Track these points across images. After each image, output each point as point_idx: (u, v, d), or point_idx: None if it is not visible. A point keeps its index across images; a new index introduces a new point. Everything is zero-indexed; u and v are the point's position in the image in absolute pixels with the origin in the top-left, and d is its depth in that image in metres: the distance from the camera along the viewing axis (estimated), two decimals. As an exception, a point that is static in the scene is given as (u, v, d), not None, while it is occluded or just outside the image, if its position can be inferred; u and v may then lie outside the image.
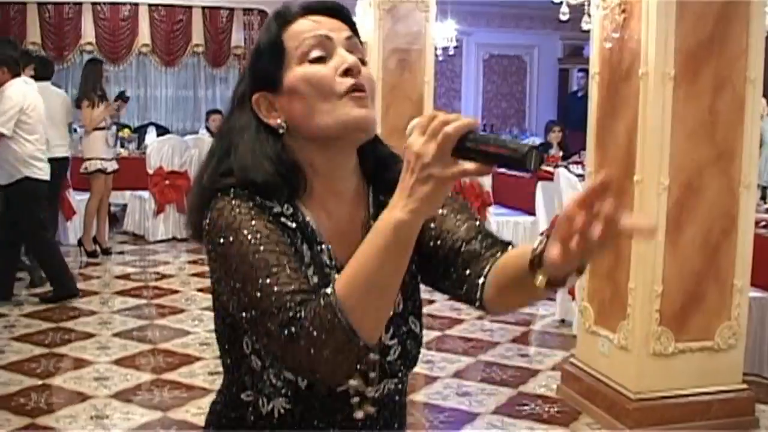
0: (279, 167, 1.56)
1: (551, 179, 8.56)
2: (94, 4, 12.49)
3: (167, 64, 13.17)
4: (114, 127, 9.61)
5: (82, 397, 5.23)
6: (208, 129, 10.80)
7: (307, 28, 1.59)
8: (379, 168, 1.67)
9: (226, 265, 1.48)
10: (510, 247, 1.62)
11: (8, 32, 11.65)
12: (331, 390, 1.57)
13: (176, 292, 7.94)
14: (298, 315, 1.37)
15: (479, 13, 14.60)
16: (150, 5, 12.78)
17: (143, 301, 7.60)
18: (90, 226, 9.47)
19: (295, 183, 1.59)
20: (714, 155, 4.78)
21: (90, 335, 6.51)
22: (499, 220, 9.34)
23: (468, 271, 1.61)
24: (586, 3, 5.02)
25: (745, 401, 5.02)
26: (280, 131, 1.59)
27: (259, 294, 1.41)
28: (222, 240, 1.48)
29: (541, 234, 1.46)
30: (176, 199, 10.25)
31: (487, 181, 9.29)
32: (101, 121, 9.22)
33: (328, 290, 1.36)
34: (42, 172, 7.28)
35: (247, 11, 13.49)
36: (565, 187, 7.04)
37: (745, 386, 5.04)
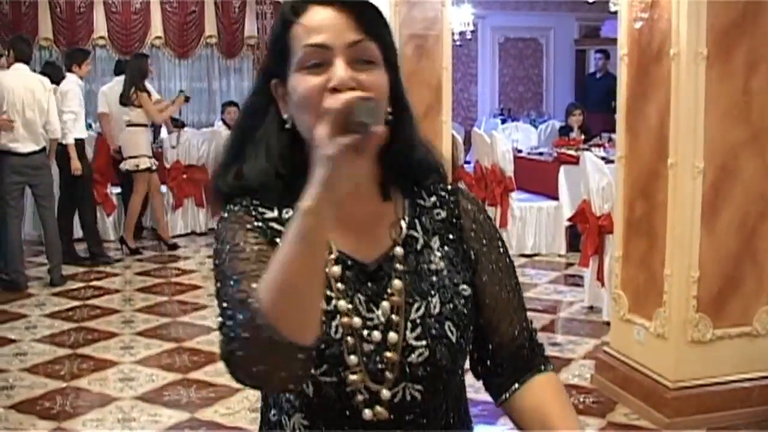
0: (284, 167, 1.56)
1: (575, 163, 8.44)
2: (105, -2, 12.40)
3: (180, 57, 13.05)
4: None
5: (108, 399, 5.15)
6: (224, 121, 10.67)
7: (308, 30, 1.50)
8: (407, 166, 1.62)
9: (214, 272, 1.50)
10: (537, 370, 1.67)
11: (20, 28, 11.54)
12: (340, 394, 1.50)
13: (198, 287, 7.85)
14: (237, 320, 1.34)
15: (494, -3, 14.49)
16: (162, -2, 12.69)
17: (165, 298, 7.52)
18: (132, 223, 9.39)
19: (301, 183, 1.49)
20: (749, 136, 4.65)
21: (113, 335, 6.44)
22: (521, 206, 9.20)
23: (499, 370, 1.68)
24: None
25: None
26: (286, 126, 1.56)
27: (225, 304, 1.40)
28: (214, 248, 1.52)
29: None
30: (194, 193, 10.18)
31: (509, 167, 9.15)
32: (154, 117, 9.29)
33: (254, 292, 1.33)
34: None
35: (259, 1, 13.36)
36: (592, 171, 6.91)
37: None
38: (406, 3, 9.53)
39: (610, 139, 10.67)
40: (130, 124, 9.19)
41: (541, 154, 10.37)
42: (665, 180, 4.69)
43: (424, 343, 1.53)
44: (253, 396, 5.09)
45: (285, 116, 1.56)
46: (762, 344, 4.82)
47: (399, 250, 1.59)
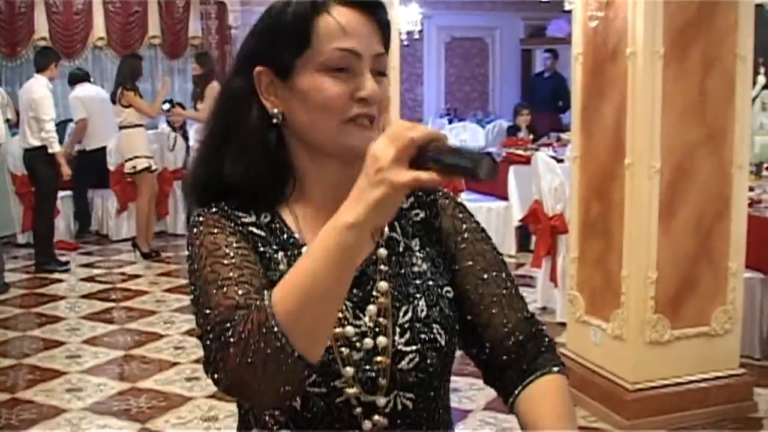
0: (267, 167, 1.49)
1: (524, 163, 8.41)
2: (46, -3, 12.14)
3: (123, 57, 12.82)
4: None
5: (56, 411, 4.99)
6: (168, 123, 10.49)
7: (339, 31, 1.44)
8: None
9: (189, 278, 1.43)
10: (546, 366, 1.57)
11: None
12: (329, 405, 1.44)
13: (145, 293, 7.69)
14: (231, 323, 1.28)
15: (439, -4, 14.45)
16: (104, -3, 12.45)
17: (111, 305, 7.34)
18: (143, 226, 9.15)
19: (282, 185, 1.52)
20: (705, 135, 4.63)
21: (59, 343, 6.26)
22: (470, 206, 8.99)
23: (502, 372, 1.59)
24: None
25: (743, 386, 4.90)
26: (274, 120, 1.48)
27: (207, 310, 1.34)
28: (188, 254, 1.45)
29: None
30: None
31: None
32: (147, 112, 9.13)
33: (266, 295, 1.27)
34: None
35: (204, 1, 13.18)
36: (544, 171, 6.88)
37: (742, 371, 4.92)
38: (354, 3, 9.45)
39: (558, 139, 10.72)
40: (124, 126, 8.95)
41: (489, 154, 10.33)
42: (621, 180, 4.66)
43: (414, 348, 1.48)
44: (205, 405, 4.99)
45: (275, 110, 1.48)
46: (719, 344, 4.81)
47: (383, 251, 1.53)
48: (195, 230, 1.46)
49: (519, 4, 15.17)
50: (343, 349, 1.45)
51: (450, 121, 14.29)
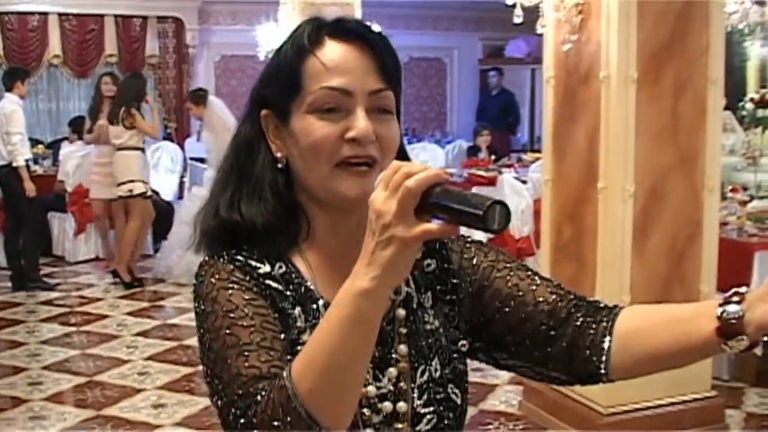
0: (279, 210, 1.43)
1: (486, 184, 8.41)
2: (0, 14, 11.96)
3: (80, 76, 12.66)
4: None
5: (19, 441, 4.87)
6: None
7: (328, 69, 1.38)
8: None
9: (202, 337, 1.35)
10: (612, 309, 1.44)
11: None
12: None
13: (105, 317, 7.55)
14: (255, 401, 1.22)
15: (398, 15, 14.42)
16: (60, 14, 12.26)
17: (72, 329, 7.18)
18: (128, 252, 8.80)
19: (296, 229, 1.45)
20: (677, 159, 4.65)
21: (19, 369, 6.11)
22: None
23: (573, 342, 1.43)
24: (541, 5, 4.80)
25: (715, 408, 4.92)
26: (279, 165, 1.44)
27: (226, 378, 1.26)
28: (201, 308, 1.36)
29: (729, 298, 1.29)
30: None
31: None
32: (142, 138, 8.78)
33: (285, 372, 1.21)
34: None
35: (161, 19, 13.07)
36: (510, 193, 6.89)
37: (714, 393, 4.93)
38: (315, 23, 9.41)
39: (519, 159, 10.75)
40: (122, 148, 8.61)
41: (450, 175, 10.34)
42: (594, 203, 4.66)
43: (431, 409, 1.44)
44: (174, 432, 4.90)
45: (278, 155, 1.44)
46: (693, 367, 4.73)
47: (401, 312, 1.46)
48: (206, 282, 1.38)
49: (477, 24, 15.22)
50: (364, 410, 1.39)
51: (408, 142, 14.28)
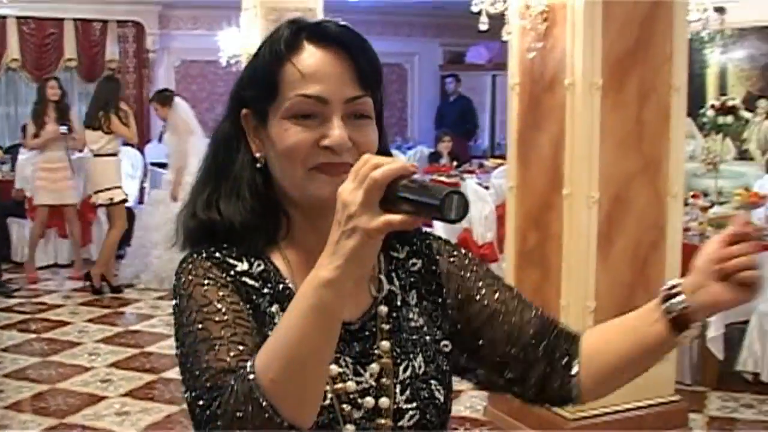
0: (258, 208, 1.44)
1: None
2: (-43, 18, 11.82)
3: (38, 80, 12.49)
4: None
5: (-20, 450, 4.81)
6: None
7: (304, 76, 1.38)
8: None
9: (177, 332, 1.36)
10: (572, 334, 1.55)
11: None
12: None
13: (66, 323, 7.47)
14: (221, 394, 1.22)
15: (359, 21, 14.38)
16: (19, 18, 12.10)
17: (32, 336, 7.10)
18: (110, 260, 8.69)
19: (275, 226, 1.45)
20: (641, 165, 4.69)
21: (-21, 377, 6.04)
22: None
23: (548, 369, 1.52)
24: (506, 12, 4.82)
25: (679, 412, 4.97)
26: (258, 165, 1.44)
27: (196, 371, 1.28)
28: (177, 304, 1.38)
29: (669, 292, 1.41)
30: (57, 224, 9.66)
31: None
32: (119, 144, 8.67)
33: (249, 363, 1.21)
34: None
35: (121, 23, 12.96)
36: (474, 200, 6.89)
37: (678, 397, 4.97)
38: (277, 28, 9.39)
39: (481, 165, 10.79)
40: (100, 154, 8.47)
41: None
42: (559, 210, 4.69)
43: (414, 405, 1.45)
44: (138, 441, 4.85)
45: (257, 155, 1.44)
46: (655, 371, 4.75)
47: (383, 308, 1.48)
48: (183, 279, 1.39)
49: (438, 29, 15.25)
50: (344, 405, 1.39)
51: (370, 147, 14.28)
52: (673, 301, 1.39)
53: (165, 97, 8.96)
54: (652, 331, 1.41)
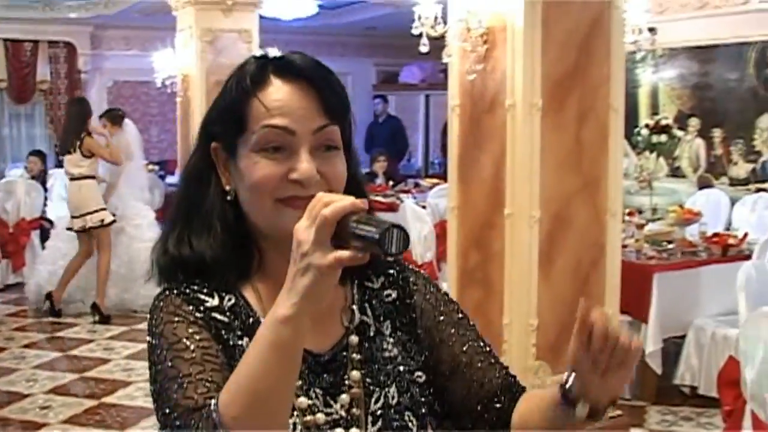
0: (229, 242, 1.45)
1: (385, 209, 8.46)
2: None
3: (-34, 102, 12.36)
4: None
5: None
6: (26, 169, 10.11)
7: (270, 110, 1.40)
8: None
9: (150, 369, 1.39)
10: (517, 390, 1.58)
11: None
12: None
13: (2, 349, 7.32)
14: (189, 428, 1.26)
15: (291, 41, 14.42)
16: (-53, 38, 11.99)
17: (-35, 363, 6.96)
18: (104, 285, 8.35)
19: (247, 260, 1.47)
20: (581, 184, 4.76)
21: None
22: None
23: (489, 416, 1.55)
24: (445, 35, 4.88)
25: (621, 427, 5.02)
26: (228, 197, 1.46)
27: (167, 409, 1.31)
28: (150, 341, 1.40)
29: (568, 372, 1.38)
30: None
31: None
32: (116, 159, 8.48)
33: (213, 402, 1.24)
34: None
35: (52, 44, 12.84)
36: (412, 220, 6.94)
37: (619, 412, 5.03)
38: (213, 49, 9.41)
39: (416, 185, 10.85)
40: (83, 176, 8.23)
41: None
42: (501, 229, 4.73)
43: None
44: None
45: (227, 188, 1.46)
46: None
47: (354, 338, 1.50)
48: (155, 317, 1.41)
49: (371, 49, 15.33)
50: None
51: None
52: (570, 378, 1.37)
53: (115, 116, 8.88)
54: (556, 405, 1.40)
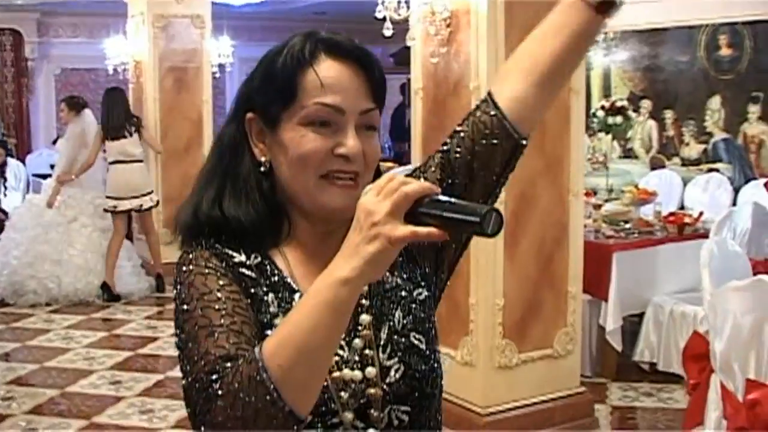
0: (264, 210, 1.49)
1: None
2: None
3: None
4: None
5: None
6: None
7: (324, 86, 1.44)
8: None
9: (177, 320, 1.41)
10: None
11: None
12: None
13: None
14: (220, 374, 1.27)
15: (240, 27, 14.36)
16: None
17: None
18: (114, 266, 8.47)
19: (278, 227, 1.51)
20: (544, 165, 4.82)
21: None
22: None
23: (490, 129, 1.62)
24: (409, 18, 4.91)
25: (585, 403, 5.12)
26: (261, 169, 1.49)
27: (195, 356, 1.32)
28: (178, 293, 1.42)
29: None
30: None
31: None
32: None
33: (256, 349, 1.26)
34: None
35: (-1, 31, 12.69)
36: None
37: (583, 389, 5.13)
38: (165, 35, 9.36)
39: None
40: (139, 160, 8.49)
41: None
42: (467, 210, 4.77)
43: (396, 359, 1.49)
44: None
45: (262, 159, 1.49)
46: (562, 365, 5.00)
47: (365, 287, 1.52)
48: (185, 269, 1.44)
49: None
50: (342, 394, 1.44)
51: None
52: None
53: (75, 103, 8.81)
54: (581, 20, 1.51)
